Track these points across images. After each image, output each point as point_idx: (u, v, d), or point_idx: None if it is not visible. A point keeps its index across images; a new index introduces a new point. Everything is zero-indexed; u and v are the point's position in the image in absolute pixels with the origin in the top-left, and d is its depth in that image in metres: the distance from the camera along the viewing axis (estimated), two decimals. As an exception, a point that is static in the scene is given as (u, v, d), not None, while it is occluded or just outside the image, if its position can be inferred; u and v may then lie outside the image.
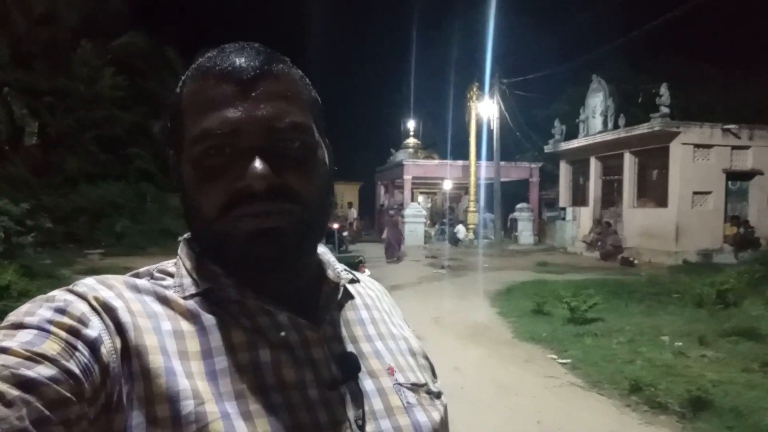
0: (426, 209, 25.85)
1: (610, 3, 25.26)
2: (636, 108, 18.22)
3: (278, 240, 0.57)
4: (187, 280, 0.62)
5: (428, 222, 24.47)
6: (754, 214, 15.63)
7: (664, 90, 15.33)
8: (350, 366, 0.62)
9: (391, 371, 0.66)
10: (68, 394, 0.46)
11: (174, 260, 0.66)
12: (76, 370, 0.47)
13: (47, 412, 0.44)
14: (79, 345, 0.49)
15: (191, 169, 0.59)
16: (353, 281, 0.74)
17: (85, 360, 0.49)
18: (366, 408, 0.60)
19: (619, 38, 18.34)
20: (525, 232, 22.63)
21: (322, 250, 0.71)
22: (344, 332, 0.66)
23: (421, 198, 30.24)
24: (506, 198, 23.20)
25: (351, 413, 0.59)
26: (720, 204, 15.50)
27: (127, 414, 0.50)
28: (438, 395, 0.71)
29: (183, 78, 0.63)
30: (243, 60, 0.58)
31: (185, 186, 0.61)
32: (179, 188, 0.62)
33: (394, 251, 16.23)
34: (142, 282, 0.61)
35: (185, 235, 0.67)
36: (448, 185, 26.89)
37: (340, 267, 0.71)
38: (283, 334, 0.60)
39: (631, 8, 22.17)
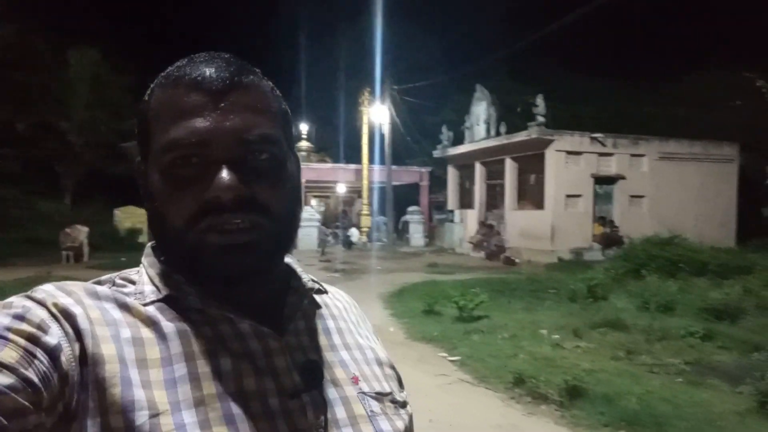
0: (319, 213, 25.73)
1: (492, 17, 26.73)
2: (515, 117, 19.44)
3: (247, 255, 0.57)
4: (149, 288, 0.61)
5: (322, 226, 24.37)
6: (617, 214, 17.22)
7: (539, 101, 16.48)
8: (313, 375, 0.61)
9: (355, 380, 0.66)
10: (26, 403, 0.45)
11: (137, 268, 0.65)
12: (35, 379, 0.46)
13: (4, 422, 0.43)
14: (39, 353, 0.48)
15: (159, 179, 0.58)
16: (321, 291, 0.74)
17: (44, 368, 0.48)
18: (329, 416, 0.60)
19: (500, 50, 19.47)
20: (416, 235, 23.27)
21: (289, 260, 0.70)
22: (308, 341, 0.66)
23: (314, 202, 30.05)
24: (398, 201, 23.72)
25: (312, 422, 0.59)
26: (589, 206, 16.93)
27: (83, 423, 0.50)
28: (403, 405, 0.70)
29: (151, 86, 0.61)
30: (213, 70, 0.58)
31: (152, 195, 0.59)
32: (146, 197, 0.61)
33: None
34: (102, 289, 0.59)
35: (150, 243, 0.66)
36: (341, 189, 26.98)
37: (306, 277, 0.71)
38: (243, 342, 0.59)
39: (511, 23, 23.62)
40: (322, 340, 0.68)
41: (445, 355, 6.31)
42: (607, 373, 5.37)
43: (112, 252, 17.00)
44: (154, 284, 0.61)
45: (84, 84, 22.66)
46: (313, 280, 0.73)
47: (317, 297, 0.72)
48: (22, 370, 0.46)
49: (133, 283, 0.62)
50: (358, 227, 23.58)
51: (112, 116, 23.32)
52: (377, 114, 22.87)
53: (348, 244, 22.17)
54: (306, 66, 32.70)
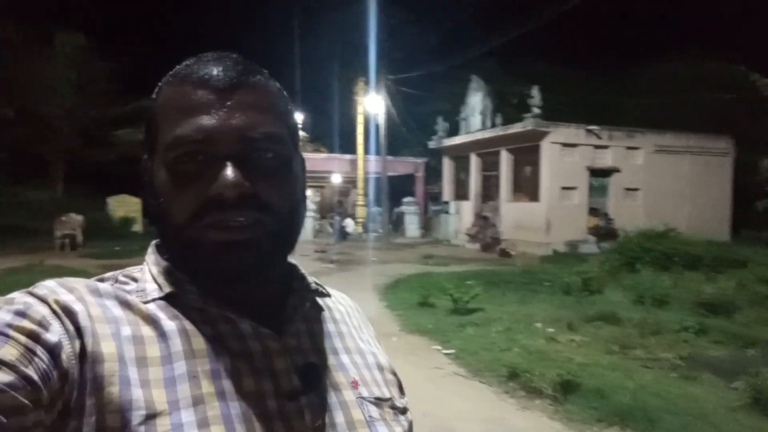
0: (315, 203, 25.66)
1: (486, 6, 26.57)
2: (509, 108, 19.39)
3: (247, 252, 0.57)
4: (151, 285, 0.61)
5: (317, 216, 24.31)
6: (612, 207, 17.24)
7: (535, 92, 16.42)
8: (312, 378, 0.61)
9: (354, 385, 0.66)
10: (26, 401, 0.45)
11: (141, 266, 0.66)
12: (35, 377, 0.46)
13: (3, 420, 0.43)
14: (39, 350, 0.48)
15: (164, 174, 0.59)
16: (323, 294, 0.74)
17: (44, 366, 0.48)
18: (327, 421, 0.60)
19: (493, 41, 19.38)
20: (411, 226, 23.25)
21: (294, 261, 0.71)
22: (309, 344, 0.66)
23: (309, 192, 29.96)
24: (393, 192, 23.66)
25: (310, 425, 0.58)
26: (584, 198, 16.93)
27: (80, 420, 0.50)
28: (403, 411, 0.71)
29: (160, 84, 0.62)
30: (220, 69, 0.59)
31: (157, 191, 0.60)
32: (150, 193, 0.61)
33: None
34: (104, 286, 0.60)
35: (154, 241, 0.66)
36: (336, 179, 26.90)
37: (309, 279, 0.72)
38: (243, 343, 0.59)
39: (503, 13, 23.50)
40: (323, 343, 0.68)
41: (439, 348, 6.29)
42: (601, 367, 5.37)
43: (106, 241, 16.93)
44: (156, 282, 0.62)
45: (68, 69, 22.34)
46: (316, 283, 0.73)
47: (319, 300, 0.72)
48: (22, 368, 0.46)
49: (135, 280, 0.63)
50: (354, 218, 23.53)
51: (99, 102, 23.06)
52: (372, 104, 22.76)
53: (343, 234, 22.14)
54: (300, 55, 32.47)
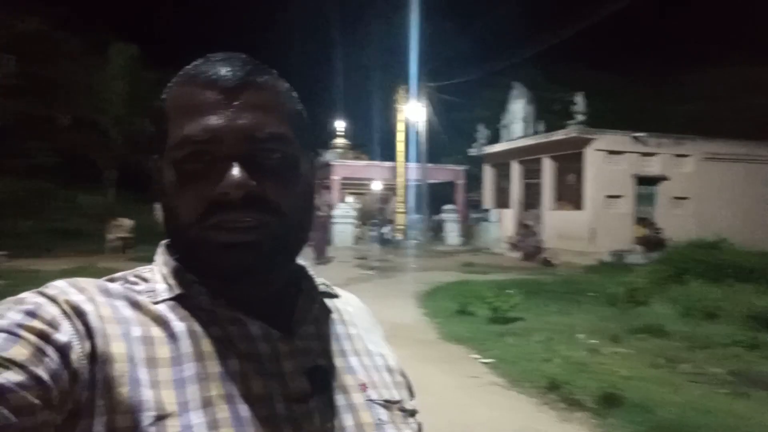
0: (355, 210, 25.84)
1: (528, 13, 26.30)
2: (551, 115, 19.09)
3: (251, 253, 0.57)
4: (161, 286, 0.61)
5: (358, 223, 24.46)
6: (660, 216, 16.72)
7: (579, 99, 16.14)
8: (320, 380, 0.61)
9: (363, 387, 0.65)
10: (36, 401, 0.45)
11: (151, 266, 0.65)
12: (45, 376, 0.46)
13: (14, 419, 0.43)
14: (49, 350, 0.48)
15: (172, 174, 0.59)
16: (332, 296, 0.74)
17: (55, 366, 0.48)
18: (335, 423, 0.60)
19: (536, 47, 19.16)
20: (451, 233, 23.12)
21: (302, 263, 0.70)
22: (317, 346, 0.65)
23: (350, 198, 30.20)
24: (433, 199, 23.61)
25: (319, 428, 0.58)
26: (630, 207, 16.49)
27: (90, 421, 0.50)
28: (412, 413, 0.70)
29: (169, 84, 0.63)
30: (228, 69, 0.59)
31: (164, 190, 0.60)
32: (159, 192, 0.62)
33: (322, 252, 16.08)
34: (114, 286, 0.60)
35: (164, 241, 0.66)
36: (377, 186, 27.02)
37: (318, 281, 0.71)
38: (251, 344, 0.59)
39: (547, 19, 23.20)
40: (332, 345, 0.67)
41: (477, 356, 6.23)
42: (646, 381, 5.21)
43: (154, 244, 17.37)
44: (166, 282, 0.62)
45: (121, 78, 23.23)
46: (324, 284, 0.72)
47: (328, 301, 0.72)
48: (33, 367, 0.46)
49: (145, 280, 0.63)
50: (394, 225, 23.57)
51: (145, 111, 23.89)
52: (413, 111, 22.80)
53: (383, 241, 22.19)
54: (342, 63, 32.84)
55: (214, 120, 0.57)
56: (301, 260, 0.70)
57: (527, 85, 20.05)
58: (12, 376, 0.44)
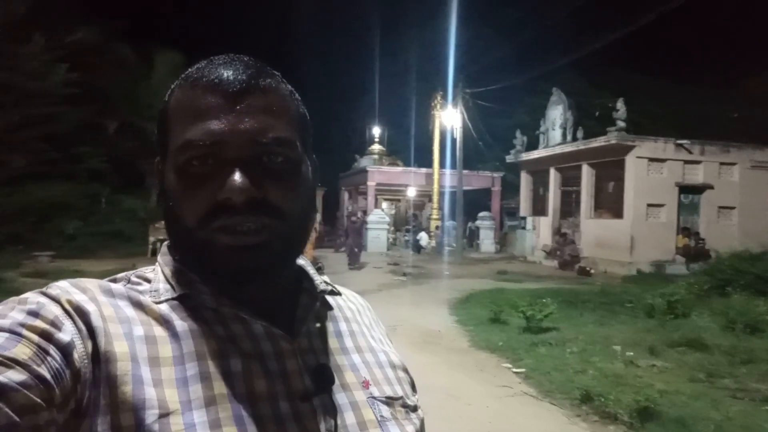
0: (389, 216, 25.87)
1: (566, 18, 25.90)
2: (590, 121, 18.72)
3: (256, 255, 0.58)
4: (164, 286, 0.62)
5: (392, 229, 24.48)
6: (704, 226, 16.19)
7: (620, 104, 15.77)
8: (323, 378, 0.61)
9: (366, 384, 0.66)
10: (38, 400, 0.45)
11: (153, 266, 0.66)
12: (48, 375, 0.47)
13: (16, 418, 0.43)
14: (51, 349, 0.49)
15: (175, 177, 0.59)
16: (334, 293, 0.74)
17: (57, 365, 0.48)
18: (338, 422, 0.60)
19: (575, 52, 18.83)
20: (486, 241, 22.91)
21: (303, 261, 0.71)
22: (320, 344, 0.66)
23: (384, 205, 30.25)
24: (468, 206, 23.43)
25: (322, 426, 0.58)
26: (672, 216, 16.00)
27: (94, 420, 0.50)
28: (414, 409, 0.70)
29: (172, 86, 0.63)
30: (231, 72, 0.59)
31: (168, 193, 0.61)
32: (162, 195, 0.63)
33: (356, 258, 16.15)
34: (117, 286, 0.60)
35: (166, 242, 0.67)
36: (411, 192, 27.01)
37: (319, 279, 0.71)
38: (254, 343, 0.60)
39: (586, 23, 22.80)
40: (334, 342, 0.68)
41: (509, 366, 6.15)
42: (684, 395, 5.04)
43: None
44: (169, 282, 0.62)
45: (165, 87, 23.96)
46: (326, 282, 0.72)
47: (330, 299, 0.72)
48: (35, 367, 0.46)
49: (148, 281, 0.63)
50: (428, 231, 23.51)
51: None
52: (449, 117, 22.73)
53: (417, 248, 22.14)
54: (379, 69, 33.02)
55: (217, 124, 0.57)
56: (301, 260, 0.70)
57: (566, 90, 19.73)
58: (14, 376, 0.45)
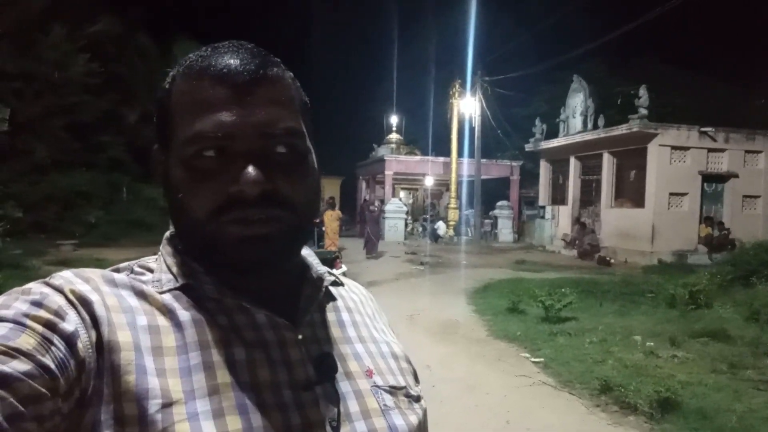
0: (407, 205, 25.84)
1: (586, 6, 25.45)
2: (611, 109, 18.42)
3: (266, 246, 0.58)
4: (166, 276, 0.62)
5: (409, 218, 24.46)
6: (728, 215, 15.89)
7: (643, 92, 15.47)
8: (326, 367, 0.62)
9: (369, 373, 0.66)
10: (43, 390, 0.45)
11: (156, 256, 0.66)
12: (52, 365, 0.47)
13: (21, 408, 0.43)
14: (56, 339, 0.49)
15: (182, 170, 0.58)
16: (337, 284, 0.74)
17: (61, 355, 0.48)
18: (341, 410, 0.60)
19: (596, 40, 18.52)
20: (504, 230, 22.78)
21: (306, 251, 0.71)
22: (323, 334, 0.66)
23: (402, 194, 30.23)
24: (487, 195, 23.31)
25: (325, 415, 0.59)
26: (695, 205, 15.73)
27: (97, 409, 0.50)
28: (417, 399, 0.70)
29: (172, 74, 0.62)
30: (238, 62, 0.58)
31: (173, 185, 0.60)
32: (165, 185, 0.62)
33: (373, 247, 16.18)
34: (120, 276, 0.60)
35: (168, 232, 0.67)
36: (429, 181, 26.92)
37: (323, 269, 0.71)
38: (258, 333, 0.60)
39: (607, 12, 22.39)
40: (337, 332, 0.68)
41: (527, 355, 6.13)
42: (705, 386, 4.98)
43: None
44: (171, 273, 0.62)
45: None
46: (329, 272, 0.72)
47: (333, 289, 0.72)
48: (39, 357, 0.46)
49: (151, 271, 0.63)
50: (446, 221, 23.44)
51: None
52: (467, 106, 22.56)
53: (435, 237, 22.11)
54: (397, 58, 32.86)
55: (227, 116, 0.56)
56: (305, 250, 0.70)
57: (588, 78, 19.42)
58: (19, 366, 0.45)
